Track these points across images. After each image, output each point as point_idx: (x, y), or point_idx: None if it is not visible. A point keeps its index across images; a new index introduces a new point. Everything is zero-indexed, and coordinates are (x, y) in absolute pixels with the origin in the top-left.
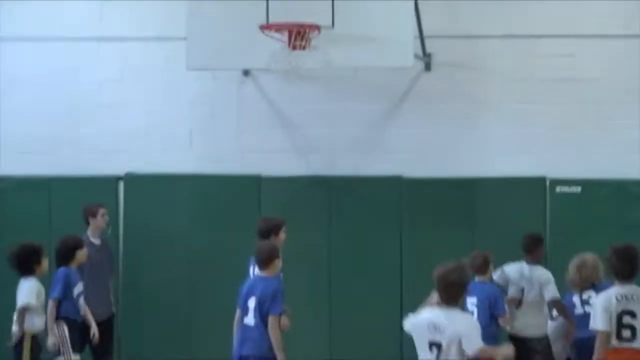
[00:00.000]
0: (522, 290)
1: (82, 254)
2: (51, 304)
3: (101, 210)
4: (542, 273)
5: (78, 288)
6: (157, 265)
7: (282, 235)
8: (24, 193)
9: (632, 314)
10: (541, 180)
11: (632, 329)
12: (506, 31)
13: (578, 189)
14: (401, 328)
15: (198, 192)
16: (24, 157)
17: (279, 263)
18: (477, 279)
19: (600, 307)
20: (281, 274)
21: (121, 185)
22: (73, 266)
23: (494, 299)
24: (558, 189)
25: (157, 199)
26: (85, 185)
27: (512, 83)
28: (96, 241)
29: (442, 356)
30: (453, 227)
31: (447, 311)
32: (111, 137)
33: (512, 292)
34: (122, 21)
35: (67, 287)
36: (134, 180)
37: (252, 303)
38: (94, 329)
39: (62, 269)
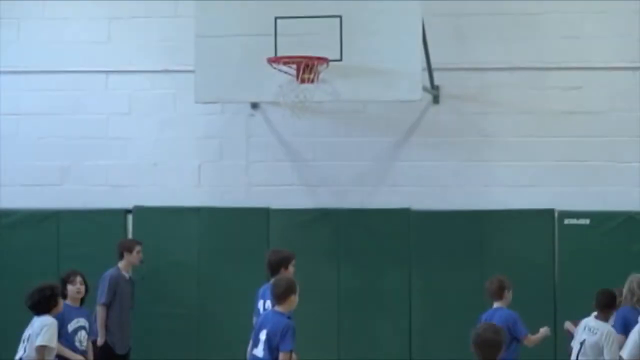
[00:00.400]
0: (582, 342)
1: (71, 289)
2: None
3: (137, 247)
4: (609, 329)
5: (75, 324)
6: (166, 297)
7: (292, 268)
8: (32, 226)
9: None
10: (549, 213)
11: None
12: (514, 64)
13: (587, 221)
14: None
15: (207, 225)
16: (31, 190)
17: (295, 299)
18: (494, 304)
19: (634, 337)
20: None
21: (130, 218)
22: (68, 301)
23: (512, 323)
24: (566, 221)
25: (165, 232)
26: (93, 218)
27: (520, 115)
28: (127, 275)
29: None
30: (461, 259)
31: None
32: (120, 170)
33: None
34: (130, 54)
35: (60, 323)
36: (142, 213)
37: (263, 336)
38: None
39: None
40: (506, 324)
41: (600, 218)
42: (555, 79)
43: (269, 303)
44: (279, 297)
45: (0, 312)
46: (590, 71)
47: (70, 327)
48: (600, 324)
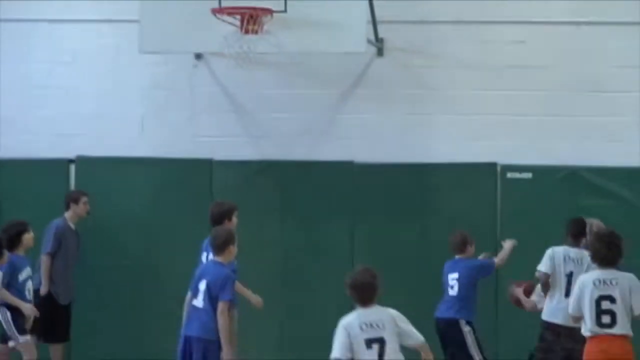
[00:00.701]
0: (570, 275)
1: (28, 238)
2: None
3: (83, 198)
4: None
5: (25, 273)
6: (108, 248)
7: (235, 219)
8: None
9: (612, 299)
10: (492, 166)
11: (612, 314)
12: (458, 17)
13: (529, 175)
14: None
15: (150, 175)
16: None
17: (234, 249)
18: (457, 257)
19: (576, 291)
20: (235, 261)
21: (72, 168)
22: (20, 251)
23: (477, 268)
24: (509, 174)
25: (108, 183)
26: (35, 168)
27: (464, 69)
28: (72, 226)
29: (387, 351)
30: (405, 212)
31: (375, 310)
32: (63, 120)
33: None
34: (74, 3)
35: (12, 274)
36: (85, 163)
37: (202, 286)
38: (27, 311)
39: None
40: (471, 271)
41: (543, 172)
42: (499, 33)
43: (211, 256)
44: (218, 247)
45: None
46: (533, 25)
47: (21, 276)
48: (581, 252)
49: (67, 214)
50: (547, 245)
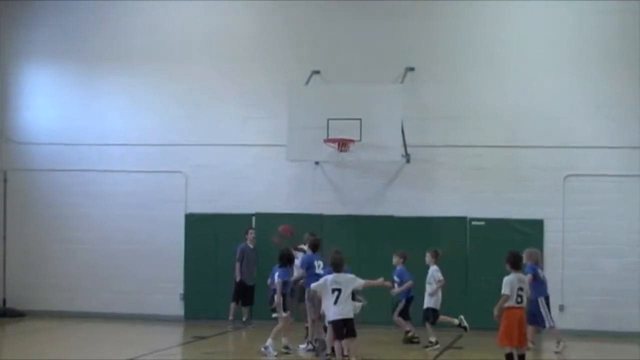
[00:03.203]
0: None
1: (294, 257)
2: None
3: (250, 231)
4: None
5: (293, 275)
6: (268, 258)
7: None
8: (204, 223)
9: (521, 289)
10: (464, 219)
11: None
12: (449, 143)
13: (483, 223)
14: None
15: (292, 222)
16: (204, 204)
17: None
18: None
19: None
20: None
21: (254, 218)
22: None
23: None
24: (473, 223)
25: (272, 225)
26: (234, 219)
27: (452, 170)
28: (251, 246)
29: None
30: (415, 244)
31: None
32: (249, 194)
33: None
34: (258, 135)
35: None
36: (260, 216)
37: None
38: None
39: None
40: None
41: (491, 222)
42: (470, 151)
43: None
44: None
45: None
46: (489, 148)
47: (292, 278)
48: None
49: (247, 241)
50: None
